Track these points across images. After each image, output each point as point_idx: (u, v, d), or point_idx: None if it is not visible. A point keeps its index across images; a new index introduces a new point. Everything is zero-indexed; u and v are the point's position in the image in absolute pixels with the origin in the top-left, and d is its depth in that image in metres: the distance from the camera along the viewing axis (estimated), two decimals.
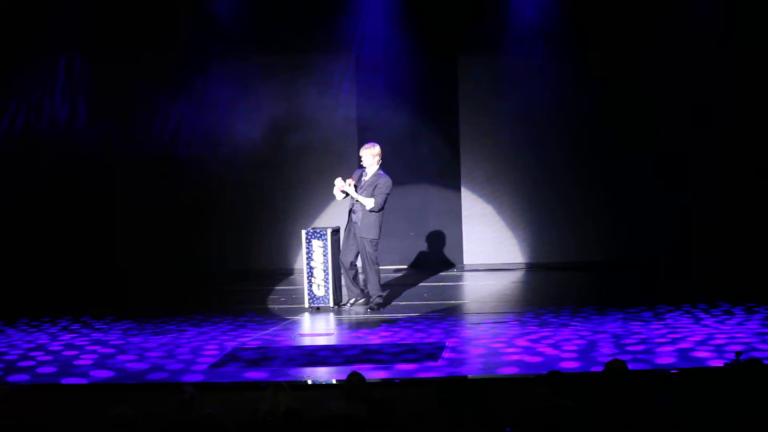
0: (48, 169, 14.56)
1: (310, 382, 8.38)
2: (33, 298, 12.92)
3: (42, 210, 14.59)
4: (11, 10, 14.27)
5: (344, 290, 11.60)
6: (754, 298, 10.99)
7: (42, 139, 14.66)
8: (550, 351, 9.00)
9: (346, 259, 11.36)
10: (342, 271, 11.50)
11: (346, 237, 11.36)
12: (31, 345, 9.95)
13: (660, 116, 14.12)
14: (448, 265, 14.63)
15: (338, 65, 14.57)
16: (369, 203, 11.14)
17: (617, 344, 9.16)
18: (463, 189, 14.51)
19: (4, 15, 14.17)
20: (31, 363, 9.19)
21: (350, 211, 11.34)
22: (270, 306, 12.06)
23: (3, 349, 9.76)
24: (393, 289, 12.64)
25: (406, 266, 14.68)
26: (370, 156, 11.27)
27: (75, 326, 10.87)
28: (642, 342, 9.22)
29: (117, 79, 14.53)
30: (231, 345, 9.65)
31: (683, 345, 9.04)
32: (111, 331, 10.50)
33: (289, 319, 11.11)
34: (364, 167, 11.32)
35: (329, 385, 8.20)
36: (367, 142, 11.55)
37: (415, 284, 13.22)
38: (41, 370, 8.94)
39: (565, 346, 9.15)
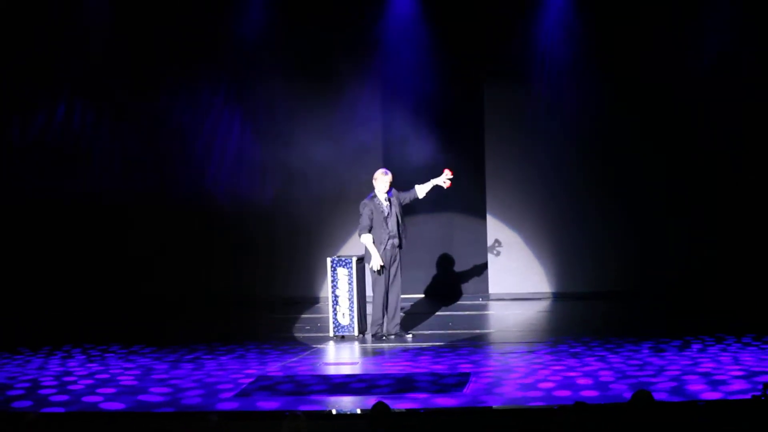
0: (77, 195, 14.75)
1: (334, 411, 8.35)
2: (75, 328, 12.97)
3: (72, 237, 14.73)
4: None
5: (369, 321, 11.54)
6: None
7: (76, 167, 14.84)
8: (577, 381, 8.93)
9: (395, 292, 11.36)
10: (382, 306, 11.30)
11: (390, 270, 11.27)
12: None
13: (688, 148, 14.07)
14: (474, 294, 14.59)
15: (364, 94, 14.61)
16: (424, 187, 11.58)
17: (649, 375, 9.09)
18: (488, 218, 14.50)
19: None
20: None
21: (383, 245, 11.24)
22: (295, 334, 12.05)
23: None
24: (418, 318, 12.61)
25: (423, 295, 14.68)
26: (389, 182, 11.34)
27: (107, 355, 10.89)
28: (676, 372, 9.14)
29: (148, 109, 14.68)
30: (255, 373, 9.64)
31: (718, 377, 8.96)
32: (138, 360, 10.52)
33: (313, 347, 11.09)
34: (374, 193, 11.30)
35: (353, 415, 8.17)
36: (386, 169, 11.52)
37: (440, 313, 13.18)
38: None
39: (593, 377, 9.08)
